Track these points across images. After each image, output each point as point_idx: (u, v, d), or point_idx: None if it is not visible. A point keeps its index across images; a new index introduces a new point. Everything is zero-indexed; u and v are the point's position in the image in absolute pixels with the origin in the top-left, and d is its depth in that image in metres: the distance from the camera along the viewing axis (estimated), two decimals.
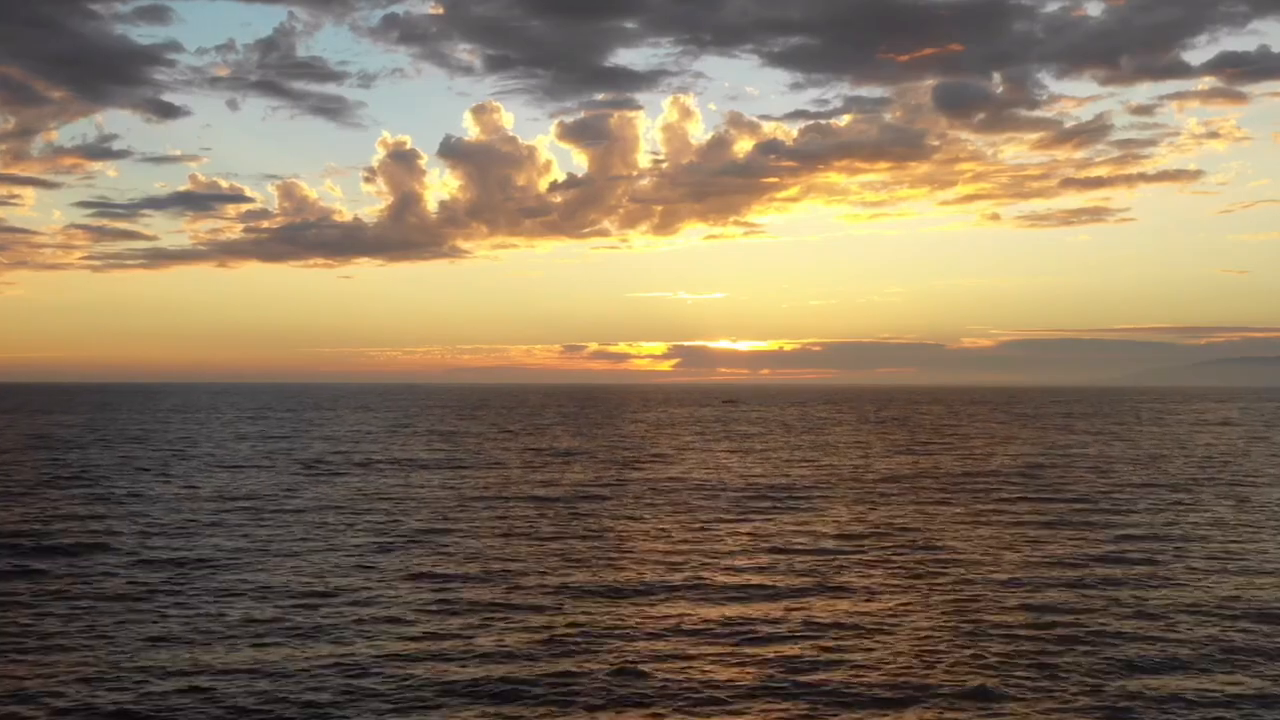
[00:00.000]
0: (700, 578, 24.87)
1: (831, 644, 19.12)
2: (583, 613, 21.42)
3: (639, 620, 20.84)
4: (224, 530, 32.26)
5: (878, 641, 19.30)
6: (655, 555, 28.09)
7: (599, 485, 46.20)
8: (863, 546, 29.56)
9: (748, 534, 31.87)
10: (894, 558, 27.84)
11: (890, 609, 21.78)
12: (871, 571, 25.93)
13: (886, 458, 62.92)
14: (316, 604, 22.06)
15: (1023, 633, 19.94)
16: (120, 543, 29.59)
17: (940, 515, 36.12)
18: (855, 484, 46.89)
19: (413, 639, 19.39)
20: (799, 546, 29.56)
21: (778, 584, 24.29)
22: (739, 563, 27.04)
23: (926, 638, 19.53)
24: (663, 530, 32.66)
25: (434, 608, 21.80)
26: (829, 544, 30.01)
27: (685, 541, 30.41)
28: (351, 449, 70.01)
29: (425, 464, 57.63)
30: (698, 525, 33.72)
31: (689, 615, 21.28)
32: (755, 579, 24.81)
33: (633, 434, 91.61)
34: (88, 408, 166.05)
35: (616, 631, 19.95)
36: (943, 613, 21.48)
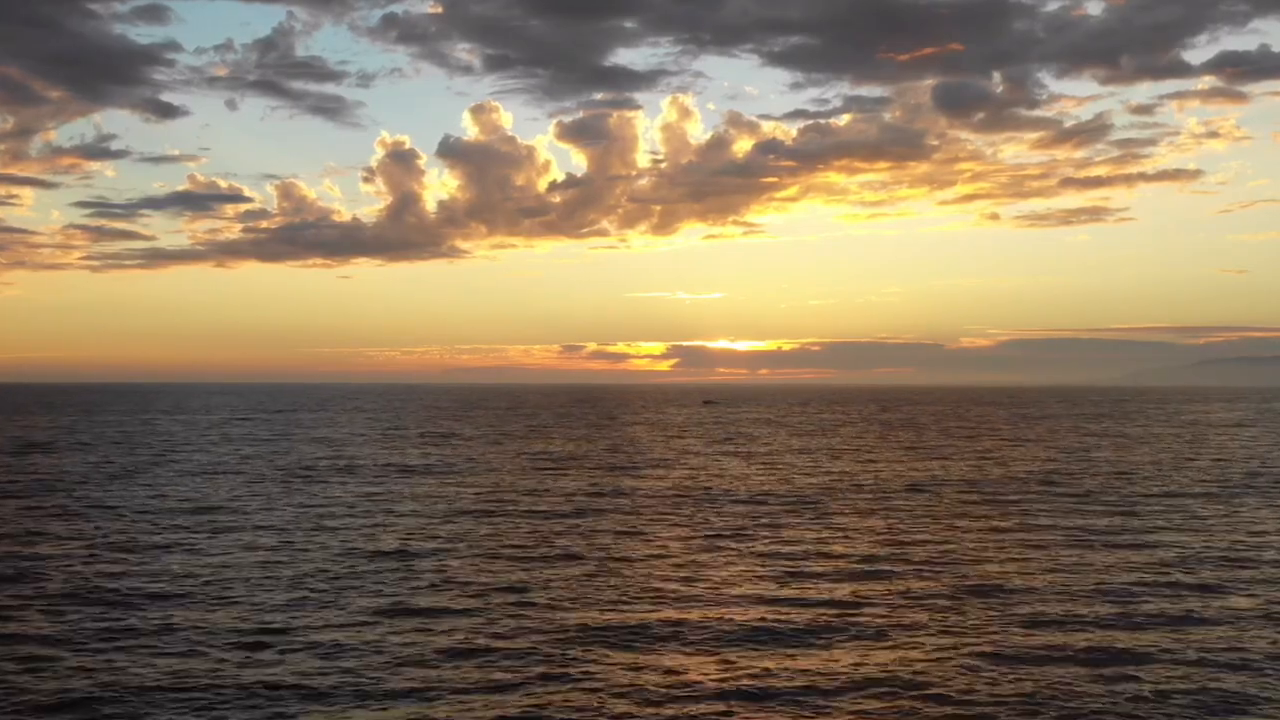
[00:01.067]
0: (705, 616, 21.78)
1: (857, 707, 16.13)
2: (567, 661, 18.41)
3: (632, 673, 17.83)
4: (179, 550, 29.26)
5: (912, 703, 16.31)
6: (653, 584, 25.05)
7: (594, 495, 43.18)
8: (884, 571, 26.54)
9: (756, 556, 28.84)
10: (921, 585, 24.82)
11: (924, 657, 18.78)
12: (897, 603, 22.91)
13: (897, 463, 59.92)
14: (261, 649, 19.03)
15: (1082, 691, 16.95)
16: (56, 568, 26.55)
17: (965, 531, 33.13)
18: (868, 494, 43.85)
19: (363, 700, 16.37)
20: (814, 571, 26.53)
21: (792, 622, 21.26)
22: (748, 591, 24.02)
23: (968, 700, 16.53)
24: (661, 552, 29.63)
25: (398, 653, 18.79)
26: (846, 567, 27.00)
27: (686, 567, 27.38)
28: (337, 453, 67.04)
29: (413, 470, 54.64)
30: (700, 546, 30.67)
31: (691, 667, 18.26)
32: (766, 615, 21.77)
33: (630, 437, 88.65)
34: (78, 409, 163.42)
35: (605, 689, 16.94)
36: (984, 660, 18.50)
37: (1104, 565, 27.45)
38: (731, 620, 21.27)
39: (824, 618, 21.55)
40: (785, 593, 23.97)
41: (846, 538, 31.94)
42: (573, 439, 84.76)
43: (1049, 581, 25.26)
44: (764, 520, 35.83)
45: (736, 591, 24.04)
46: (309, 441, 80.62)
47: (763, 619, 21.38)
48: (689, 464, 59.56)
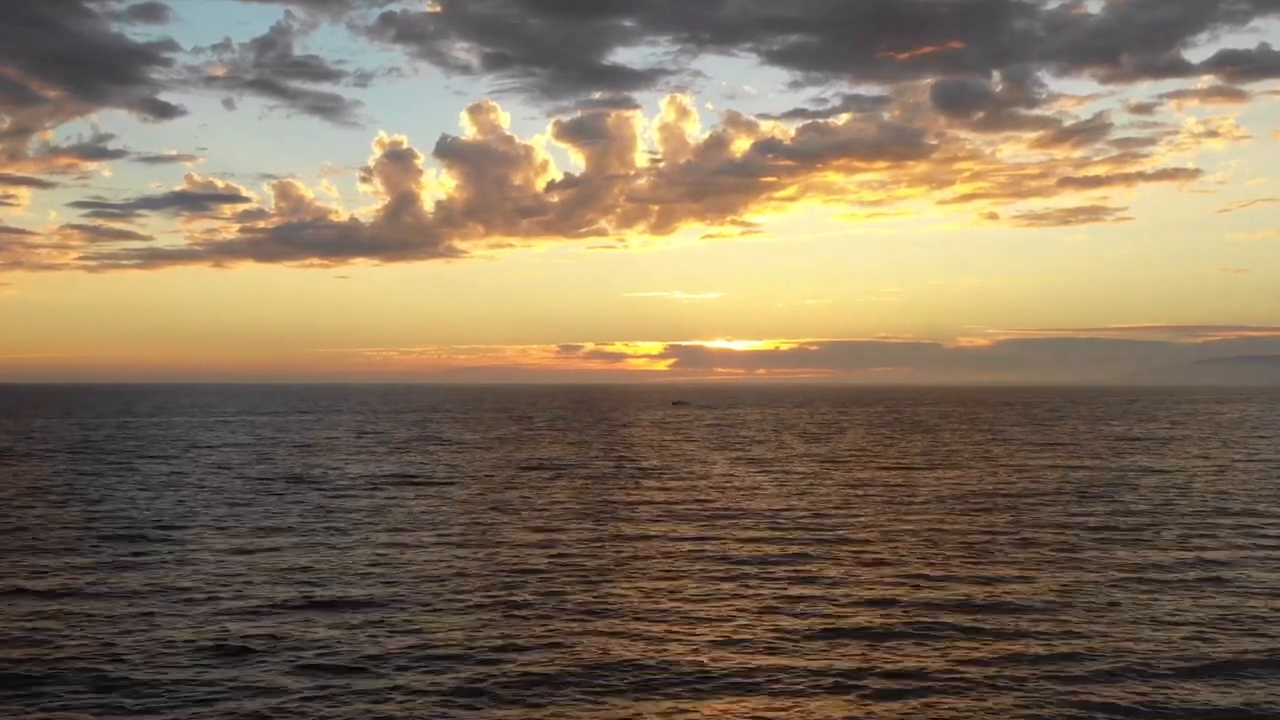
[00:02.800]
0: (710, 712, 16.98)
1: None
2: None
3: None
4: (75, 597, 24.28)
5: None
6: (648, 652, 20.23)
7: (583, 515, 38.28)
8: (925, 625, 21.64)
9: (769, 609, 23.95)
10: (968, 648, 20.00)
11: None
12: (946, 677, 18.12)
13: (916, 472, 55.07)
14: None
15: None
16: None
17: (1007, 565, 28.21)
18: (891, 514, 38.82)
19: None
20: (841, 627, 21.69)
21: (820, 706, 16.49)
22: (765, 663, 19.24)
23: None
24: (657, 600, 24.79)
25: None
26: (880, 623, 22.10)
27: (688, 621, 22.56)
28: (310, 463, 62.28)
29: (388, 482, 49.84)
30: (706, 591, 25.75)
31: None
32: (790, 710, 16.99)
33: (626, 441, 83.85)
34: (56, 411, 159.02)
35: None
36: None
37: (1189, 617, 22.62)
38: (745, 713, 16.49)
39: (867, 708, 16.76)
40: (810, 662, 19.15)
41: (874, 572, 27.10)
42: (565, 443, 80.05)
43: (1124, 645, 20.43)
44: (777, 550, 30.96)
45: (751, 664, 19.15)
46: (287, 447, 75.92)
47: (780, 714, 16.60)
48: (690, 472, 54.71)
